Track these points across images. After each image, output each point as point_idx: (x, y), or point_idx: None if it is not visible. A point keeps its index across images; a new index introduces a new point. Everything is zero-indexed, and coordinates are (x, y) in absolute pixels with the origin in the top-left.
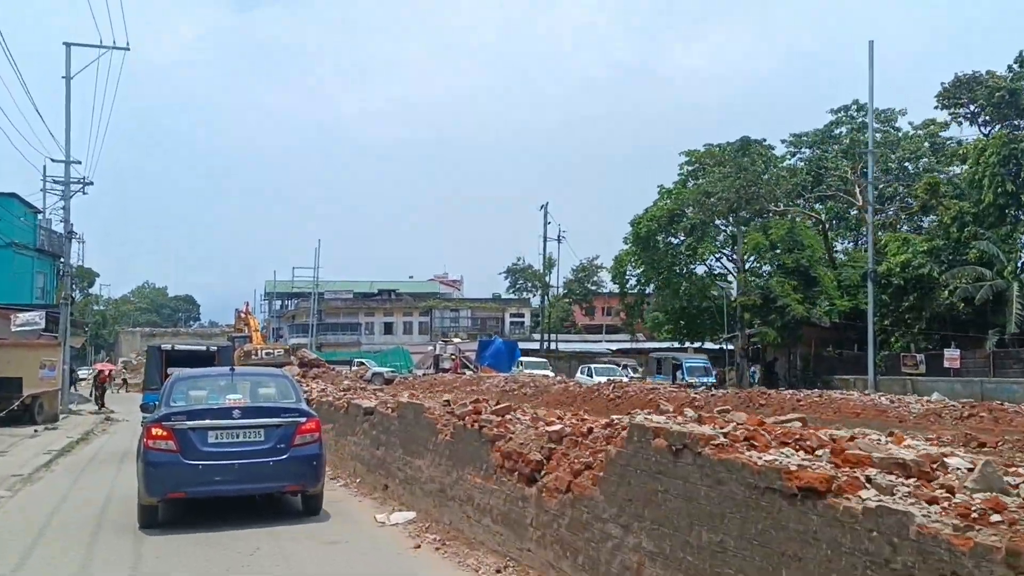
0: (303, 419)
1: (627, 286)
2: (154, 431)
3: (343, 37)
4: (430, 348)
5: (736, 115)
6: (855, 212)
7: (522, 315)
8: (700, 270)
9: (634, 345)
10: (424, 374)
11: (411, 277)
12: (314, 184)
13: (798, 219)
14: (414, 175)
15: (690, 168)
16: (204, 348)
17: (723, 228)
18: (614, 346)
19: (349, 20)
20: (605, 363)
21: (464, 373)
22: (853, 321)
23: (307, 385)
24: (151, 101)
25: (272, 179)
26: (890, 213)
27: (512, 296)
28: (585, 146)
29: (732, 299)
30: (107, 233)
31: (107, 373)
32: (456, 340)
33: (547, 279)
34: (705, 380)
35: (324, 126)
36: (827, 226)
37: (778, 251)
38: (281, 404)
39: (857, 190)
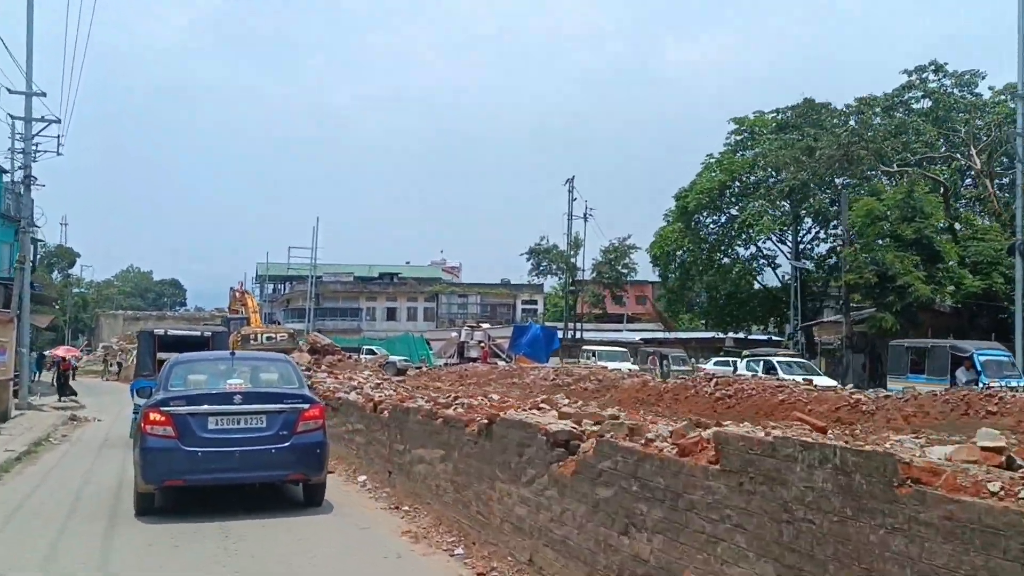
0: (306, 405)
1: (669, 269)
2: (152, 416)
3: (338, 26)
4: (453, 335)
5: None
6: (969, 180)
7: (534, 302)
8: (739, 254)
9: (668, 335)
10: (446, 363)
11: (408, 263)
12: (307, 171)
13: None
14: (409, 164)
15: (738, 138)
16: (198, 333)
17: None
18: (637, 336)
19: (345, 9)
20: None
21: (496, 363)
22: (986, 303)
23: (314, 375)
24: (142, 85)
25: (265, 166)
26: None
27: (534, 280)
28: (589, 140)
29: (838, 277)
30: (93, 217)
31: (66, 360)
32: (485, 326)
33: (573, 260)
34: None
35: (317, 114)
36: (949, 191)
37: (890, 221)
38: (284, 389)
39: (973, 152)
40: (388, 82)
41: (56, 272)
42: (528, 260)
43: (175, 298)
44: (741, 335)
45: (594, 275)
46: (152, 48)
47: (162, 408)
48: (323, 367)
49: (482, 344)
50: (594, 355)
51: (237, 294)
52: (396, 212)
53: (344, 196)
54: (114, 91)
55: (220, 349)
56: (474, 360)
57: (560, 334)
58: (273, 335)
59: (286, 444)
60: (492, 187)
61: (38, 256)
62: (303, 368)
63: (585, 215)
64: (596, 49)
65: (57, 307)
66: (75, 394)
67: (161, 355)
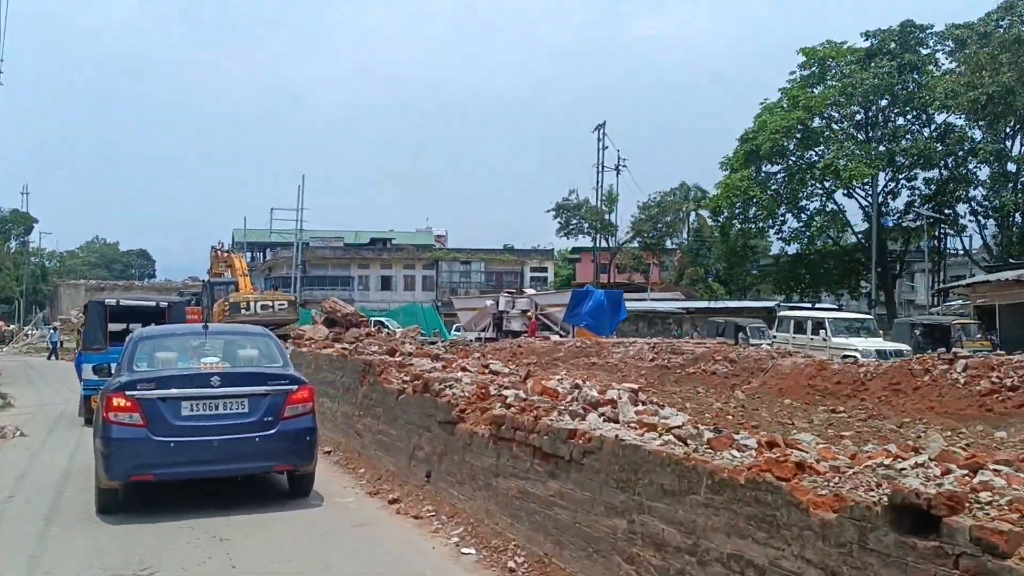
0: (294, 387)
1: (731, 225)
2: (115, 401)
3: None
4: (489, 303)
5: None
6: None
7: (544, 269)
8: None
9: (710, 303)
10: (480, 338)
11: (391, 231)
12: (276, 148)
13: None
14: (379, 138)
15: (805, 72)
16: (153, 303)
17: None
18: (664, 306)
19: None
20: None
21: (548, 337)
22: None
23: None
24: (102, 58)
25: (233, 142)
26: None
27: (564, 240)
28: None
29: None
30: (57, 189)
31: None
32: (529, 291)
33: (608, 217)
34: None
35: (282, 90)
36: None
37: None
38: (267, 369)
39: None
40: (352, 57)
41: (12, 240)
42: (555, 218)
43: (143, 269)
44: (807, 303)
45: (633, 234)
46: (111, 20)
47: (127, 392)
48: (353, 342)
49: (528, 314)
50: (823, 329)
51: (220, 253)
52: (370, 185)
53: (315, 170)
54: (75, 63)
55: (177, 321)
56: (518, 333)
57: None
58: (269, 303)
59: (272, 431)
60: (467, 156)
61: None
62: (326, 343)
63: (617, 167)
64: (562, 22)
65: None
66: None
67: (112, 327)
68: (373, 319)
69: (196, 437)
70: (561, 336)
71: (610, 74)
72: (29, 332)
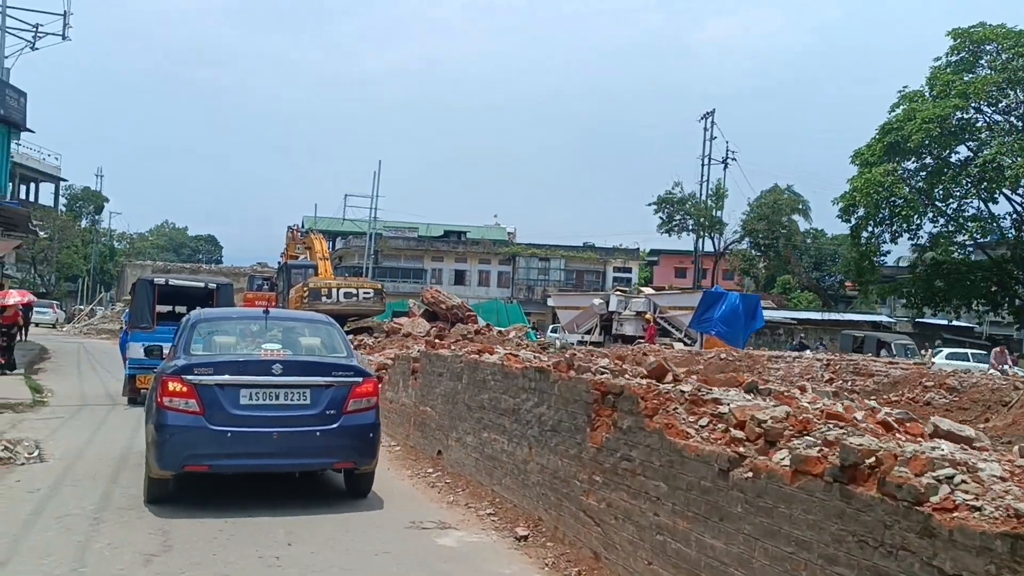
0: (359, 379)
1: (866, 227)
2: (171, 386)
3: None
4: (597, 302)
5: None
6: None
7: (629, 269)
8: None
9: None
10: (583, 341)
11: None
12: (344, 139)
13: None
14: (450, 131)
15: (953, 59)
16: (202, 284)
17: None
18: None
19: None
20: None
21: (670, 344)
22: None
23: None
24: (176, 46)
25: (301, 131)
26: None
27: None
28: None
29: None
30: (128, 173)
31: (13, 310)
32: (647, 291)
33: (717, 214)
34: None
35: (346, 81)
36: None
37: None
38: (331, 359)
39: None
40: (418, 51)
41: (84, 219)
42: (656, 212)
43: (211, 255)
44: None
45: (745, 233)
46: (186, 9)
47: (184, 377)
48: (455, 340)
49: (646, 316)
50: None
51: (296, 234)
52: (436, 180)
53: (382, 162)
54: (149, 51)
55: (225, 304)
56: (630, 338)
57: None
58: (353, 290)
59: (334, 425)
60: (531, 154)
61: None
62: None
63: (725, 159)
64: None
65: (45, 236)
66: (11, 368)
67: (159, 307)
68: None
69: (255, 428)
70: (686, 344)
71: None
72: (93, 309)
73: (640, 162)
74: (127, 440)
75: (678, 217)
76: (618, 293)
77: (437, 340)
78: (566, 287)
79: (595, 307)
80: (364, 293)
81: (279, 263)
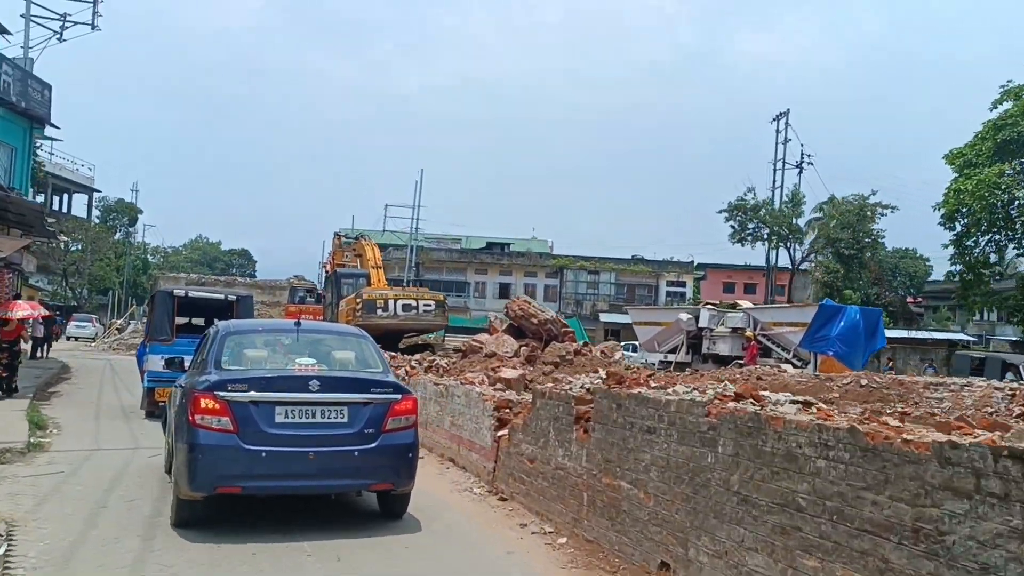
0: (398, 396)
1: (973, 235)
2: (204, 403)
3: (406, 10)
4: (684, 317)
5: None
6: None
7: (683, 283)
8: None
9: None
10: (667, 362)
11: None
12: (380, 154)
13: None
14: (485, 148)
15: None
16: (222, 296)
17: None
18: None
19: None
20: None
21: (779, 367)
22: None
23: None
24: (212, 64)
25: (334, 147)
26: None
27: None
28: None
29: None
30: (164, 188)
31: (12, 323)
32: (744, 303)
33: (796, 222)
34: None
35: (384, 98)
36: None
37: None
38: (368, 375)
39: None
40: (454, 68)
41: (118, 231)
42: (727, 220)
43: (244, 269)
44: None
45: (824, 243)
46: (227, 29)
47: (218, 393)
48: (553, 363)
49: (747, 333)
50: None
51: (341, 239)
52: (471, 195)
53: (421, 171)
54: (187, 69)
55: (246, 316)
56: (726, 359)
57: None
58: (412, 302)
59: (373, 445)
60: (567, 168)
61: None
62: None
63: (800, 163)
64: (664, 39)
65: (66, 240)
66: (11, 391)
67: (178, 319)
68: None
69: (290, 447)
70: (795, 365)
71: (716, 90)
72: (123, 324)
73: (680, 176)
74: (150, 513)
75: (751, 225)
76: (709, 307)
77: (528, 361)
78: (617, 301)
79: (682, 323)
80: (424, 305)
81: (322, 273)
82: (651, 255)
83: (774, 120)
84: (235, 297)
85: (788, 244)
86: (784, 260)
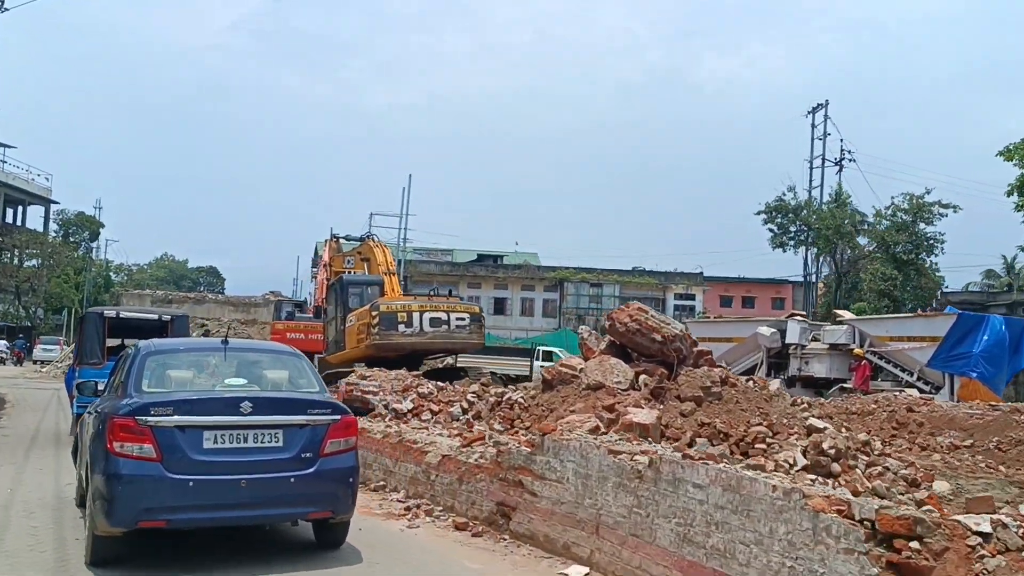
0: (336, 416)
1: None
2: (124, 429)
3: (376, 30)
4: (766, 332)
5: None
6: None
7: (692, 296)
8: None
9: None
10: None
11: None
12: (351, 173)
13: None
14: (455, 166)
15: None
16: (155, 317)
17: None
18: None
19: (383, 13)
20: None
21: (903, 393)
22: None
23: None
24: (182, 80)
25: (303, 165)
26: None
27: (778, 253)
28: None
29: None
30: (129, 205)
31: None
32: (845, 314)
33: (845, 224)
34: None
35: (353, 116)
36: None
37: None
38: (305, 395)
39: None
40: (423, 86)
41: (81, 247)
42: (765, 223)
43: (213, 286)
44: None
45: (876, 244)
46: (193, 44)
47: (138, 418)
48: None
49: (856, 351)
50: None
51: (336, 243)
52: (444, 212)
53: (389, 195)
54: (155, 87)
55: (179, 336)
56: (825, 382)
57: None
58: (442, 314)
59: (311, 470)
60: (542, 187)
61: None
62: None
63: (840, 160)
64: (634, 58)
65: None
66: None
67: (110, 342)
68: (538, 345)
69: (220, 475)
70: (922, 391)
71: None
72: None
73: (661, 190)
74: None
75: (794, 228)
76: (799, 319)
77: (653, 395)
78: None
79: (763, 338)
80: (457, 319)
81: (308, 286)
82: (656, 266)
83: (809, 113)
84: (169, 317)
85: (834, 249)
86: (794, 267)
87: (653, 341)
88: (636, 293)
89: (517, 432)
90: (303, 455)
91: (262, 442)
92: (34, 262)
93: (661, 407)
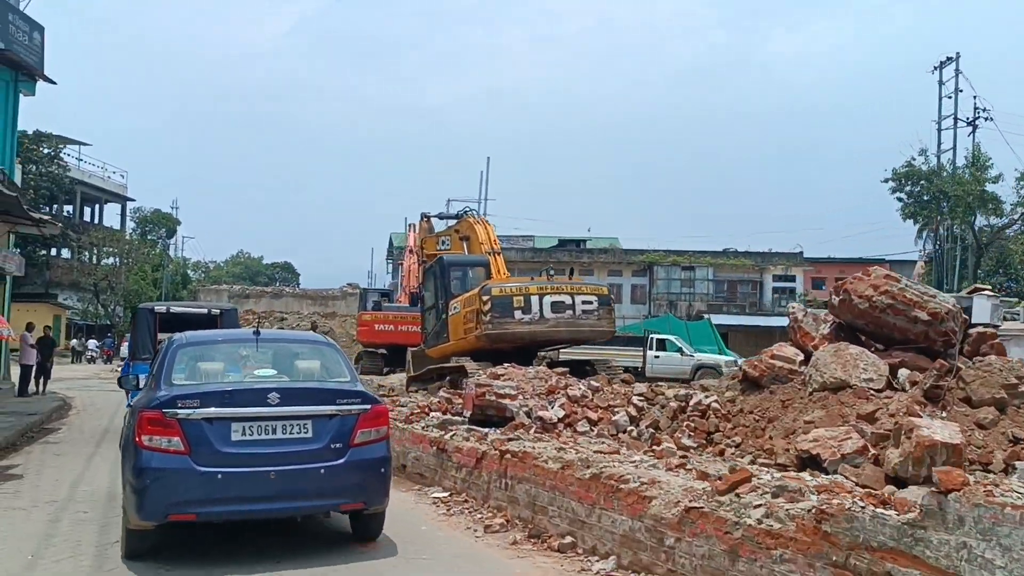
0: (367, 406)
1: None
2: (151, 422)
3: (434, 25)
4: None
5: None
6: None
7: (792, 277)
8: None
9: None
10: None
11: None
12: (413, 169)
13: None
14: (515, 158)
15: None
16: (205, 311)
17: None
18: None
19: (440, 9)
20: None
21: None
22: None
23: None
24: (250, 84)
25: (368, 161)
26: None
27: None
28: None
29: None
30: (205, 207)
31: None
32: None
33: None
34: None
35: (412, 112)
36: None
37: None
38: (334, 385)
39: None
40: (481, 80)
41: (158, 245)
42: (893, 192)
43: (288, 281)
44: None
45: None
46: (255, 52)
47: (166, 411)
48: (998, 402)
49: None
50: None
51: (429, 223)
52: (511, 202)
53: (487, 159)
54: (220, 93)
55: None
56: None
57: None
58: (566, 297)
59: (340, 461)
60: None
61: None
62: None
63: (973, 121)
64: (696, 41)
65: (60, 226)
66: None
67: (161, 336)
68: (651, 333)
69: (249, 467)
70: None
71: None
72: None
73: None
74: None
75: (927, 196)
76: (988, 294)
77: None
78: (716, 300)
79: None
80: (583, 302)
81: (423, 262)
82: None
83: (935, 69)
84: (219, 310)
85: (976, 217)
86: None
87: (914, 321)
88: (731, 276)
89: (723, 451)
90: (333, 445)
91: (291, 433)
92: (112, 260)
93: (944, 415)
